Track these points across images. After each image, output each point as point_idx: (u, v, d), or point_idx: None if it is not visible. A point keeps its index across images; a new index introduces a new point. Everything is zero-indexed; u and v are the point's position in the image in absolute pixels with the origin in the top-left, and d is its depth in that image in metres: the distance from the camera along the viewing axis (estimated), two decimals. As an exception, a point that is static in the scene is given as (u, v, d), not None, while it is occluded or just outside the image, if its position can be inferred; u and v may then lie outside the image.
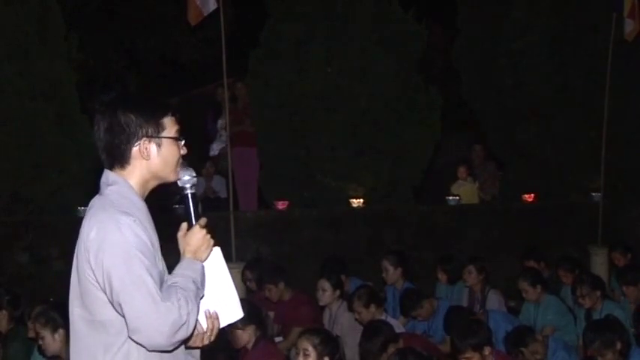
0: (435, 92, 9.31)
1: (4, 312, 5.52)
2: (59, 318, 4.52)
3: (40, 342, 4.62)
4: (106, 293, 2.33)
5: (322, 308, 6.31)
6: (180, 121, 2.54)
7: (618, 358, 4.66)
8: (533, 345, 5.03)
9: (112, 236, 2.31)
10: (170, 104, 2.60)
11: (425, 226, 8.74)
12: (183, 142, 2.53)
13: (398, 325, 5.65)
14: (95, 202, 2.45)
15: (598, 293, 5.93)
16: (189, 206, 2.57)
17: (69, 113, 8.36)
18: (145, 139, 2.45)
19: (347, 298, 5.99)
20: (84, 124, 8.43)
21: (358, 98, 8.87)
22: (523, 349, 5.01)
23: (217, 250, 2.60)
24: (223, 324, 2.59)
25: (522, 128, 9.87)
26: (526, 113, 9.83)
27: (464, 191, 9.48)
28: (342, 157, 8.85)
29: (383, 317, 5.49)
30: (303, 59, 8.92)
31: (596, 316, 5.79)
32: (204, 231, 2.53)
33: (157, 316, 2.26)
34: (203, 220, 2.55)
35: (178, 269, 2.45)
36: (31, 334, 4.91)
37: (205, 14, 7.74)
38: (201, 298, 2.46)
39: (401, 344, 4.76)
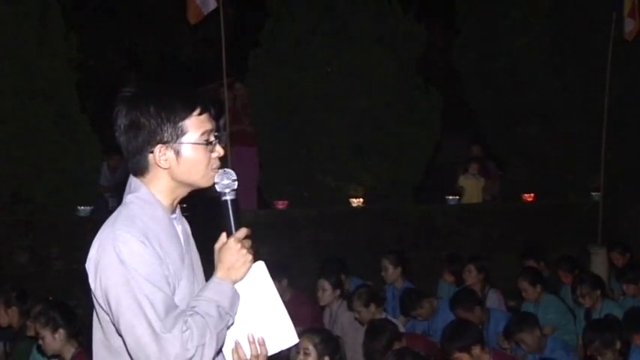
0: (435, 92, 9.31)
1: (14, 308, 5.51)
2: (59, 318, 4.54)
3: (40, 342, 4.62)
4: (109, 317, 2.10)
5: (322, 308, 6.31)
6: (214, 117, 2.22)
7: (618, 357, 4.67)
8: (524, 334, 5.09)
9: (109, 255, 2.05)
10: (200, 99, 2.20)
11: (425, 226, 8.74)
12: (214, 143, 2.21)
13: (398, 324, 5.64)
14: (115, 212, 2.19)
15: (598, 293, 5.94)
16: (228, 214, 2.24)
17: (69, 113, 8.34)
18: (159, 145, 2.14)
19: (347, 297, 5.99)
20: (84, 124, 8.43)
21: (358, 98, 8.86)
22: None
23: (261, 265, 2.28)
24: (273, 351, 2.25)
25: (522, 128, 9.87)
26: (526, 113, 9.83)
27: (470, 184, 9.48)
28: (342, 157, 8.84)
29: (382, 317, 5.49)
30: (303, 59, 8.91)
31: (595, 315, 5.80)
32: (239, 245, 2.20)
33: (158, 349, 1.98)
34: (242, 232, 2.22)
35: (203, 291, 2.13)
36: (31, 333, 4.91)
37: (205, 13, 7.76)
38: (231, 325, 2.16)
39: (404, 343, 4.76)
